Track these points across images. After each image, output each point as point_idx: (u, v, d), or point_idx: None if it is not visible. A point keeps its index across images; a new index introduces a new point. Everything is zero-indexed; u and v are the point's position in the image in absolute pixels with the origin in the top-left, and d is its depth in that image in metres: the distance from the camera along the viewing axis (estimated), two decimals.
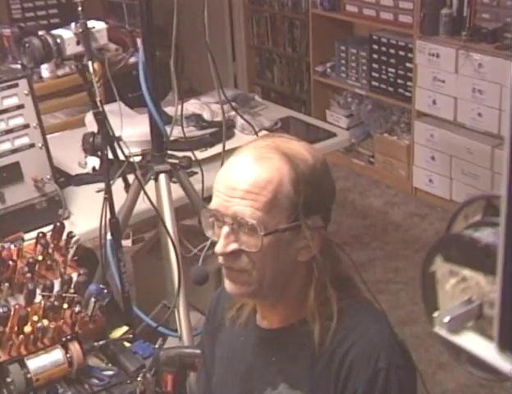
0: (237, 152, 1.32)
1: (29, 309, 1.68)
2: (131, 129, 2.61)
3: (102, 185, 2.21)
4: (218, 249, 1.28)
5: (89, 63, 2.10)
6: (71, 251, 1.91)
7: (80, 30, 2.11)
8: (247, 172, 1.26)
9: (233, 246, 1.27)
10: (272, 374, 1.36)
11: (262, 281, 1.29)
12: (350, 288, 1.37)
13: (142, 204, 2.35)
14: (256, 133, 2.75)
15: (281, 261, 1.30)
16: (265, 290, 1.31)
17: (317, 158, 1.32)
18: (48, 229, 1.96)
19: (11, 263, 1.79)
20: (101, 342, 1.78)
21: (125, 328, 1.92)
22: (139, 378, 1.72)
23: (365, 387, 1.26)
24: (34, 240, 1.91)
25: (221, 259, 1.30)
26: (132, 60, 3.36)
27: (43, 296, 1.72)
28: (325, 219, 1.32)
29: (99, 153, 2.17)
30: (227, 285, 1.33)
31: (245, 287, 1.31)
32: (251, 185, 1.25)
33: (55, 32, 2.16)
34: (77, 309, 1.72)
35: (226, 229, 1.27)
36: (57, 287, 1.78)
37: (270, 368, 1.37)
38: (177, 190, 2.44)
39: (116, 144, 2.22)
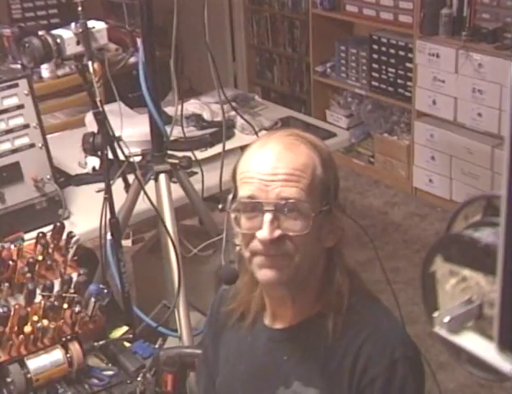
0: (261, 143, 1.31)
1: (29, 309, 1.68)
2: (131, 129, 2.61)
3: (102, 185, 2.21)
4: (265, 235, 1.25)
5: (89, 63, 2.10)
6: (71, 251, 1.91)
7: (80, 30, 2.11)
8: (285, 157, 1.27)
9: (278, 232, 1.26)
10: (284, 373, 1.36)
11: (300, 267, 1.29)
12: (359, 282, 1.39)
13: (142, 204, 2.35)
14: (256, 133, 2.75)
15: (315, 246, 1.31)
16: (299, 277, 1.31)
17: (327, 148, 1.38)
18: (48, 229, 1.96)
19: (11, 263, 1.79)
20: (101, 342, 1.78)
21: (125, 328, 1.92)
22: (139, 378, 1.72)
23: (383, 377, 1.27)
24: (34, 240, 1.91)
25: (263, 248, 1.27)
26: (132, 60, 3.37)
27: (43, 296, 1.72)
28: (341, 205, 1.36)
29: (99, 153, 2.16)
30: (266, 273, 1.29)
31: (285, 272, 1.29)
32: (292, 168, 1.26)
33: (55, 32, 2.16)
34: (77, 309, 1.72)
35: (268, 215, 1.25)
36: (57, 287, 1.78)
37: (282, 368, 1.37)
38: (177, 190, 2.44)
39: (116, 144, 2.22)
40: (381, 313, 1.36)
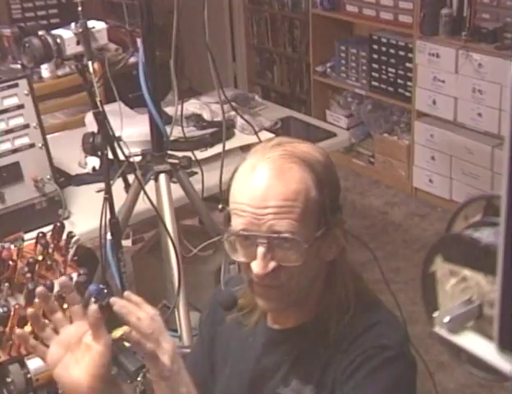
0: (250, 167, 1.26)
1: (29, 309, 1.67)
2: (131, 129, 2.61)
3: (102, 185, 2.21)
4: (258, 270, 1.23)
5: (89, 63, 2.10)
6: (71, 251, 1.90)
7: (80, 30, 2.11)
8: (274, 187, 1.22)
9: (273, 264, 1.24)
10: (283, 372, 1.37)
11: (297, 292, 1.29)
12: (364, 286, 1.38)
13: (142, 204, 2.35)
14: (256, 133, 2.75)
15: (315, 266, 1.30)
16: (296, 298, 1.30)
17: (324, 155, 1.32)
18: (48, 229, 1.95)
19: (11, 263, 1.79)
20: None
21: (125, 328, 1.91)
22: (139, 378, 1.72)
23: (363, 356, 1.26)
24: (34, 240, 1.91)
25: (257, 279, 1.26)
26: (132, 60, 3.35)
27: None
28: (341, 213, 1.33)
29: (99, 153, 2.16)
30: (262, 303, 1.30)
31: (281, 301, 1.30)
32: (282, 200, 1.22)
33: (55, 32, 2.16)
34: None
35: (261, 249, 1.23)
36: (57, 287, 1.78)
37: (282, 367, 1.37)
38: (177, 190, 2.44)
39: (116, 144, 2.22)
40: (381, 315, 1.35)
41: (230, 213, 1.28)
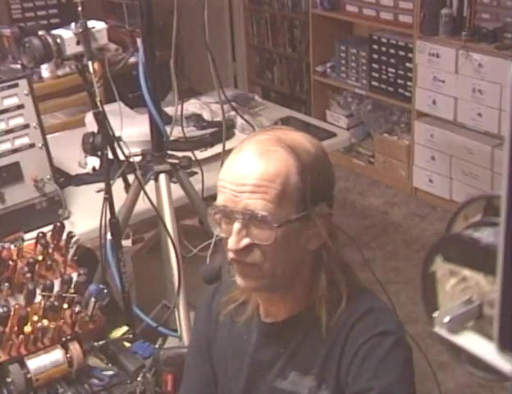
0: (239, 147, 1.32)
1: (29, 309, 1.68)
2: (131, 129, 2.61)
3: (102, 185, 2.21)
4: (231, 245, 1.28)
5: (89, 63, 2.10)
6: (71, 251, 1.91)
7: (80, 30, 2.11)
8: (254, 166, 1.27)
9: (246, 241, 1.28)
10: (281, 365, 1.38)
11: (274, 273, 1.30)
12: (352, 275, 1.39)
13: (142, 204, 2.35)
14: None
15: (292, 251, 1.31)
16: (277, 281, 1.32)
17: (317, 147, 1.35)
18: (48, 229, 1.96)
19: (11, 263, 1.79)
20: (101, 342, 1.78)
21: (125, 328, 1.92)
22: (139, 378, 1.72)
23: (367, 346, 1.28)
24: (34, 240, 1.91)
25: (232, 255, 1.30)
26: (132, 60, 3.36)
27: (43, 296, 1.72)
28: (330, 206, 1.34)
29: (99, 153, 2.16)
30: (239, 280, 1.34)
31: (258, 281, 1.31)
32: (260, 179, 1.26)
33: (55, 32, 2.16)
34: (77, 309, 1.72)
35: (237, 225, 1.27)
36: (57, 287, 1.78)
37: (278, 360, 1.38)
38: (177, 190, 2.44)
39: (116, 144, 2.22)
40: (374, 301, 1.37)
41: (217, 189, 1.33)
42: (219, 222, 1.32)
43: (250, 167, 1.27)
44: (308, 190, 1.28)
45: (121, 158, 2.25)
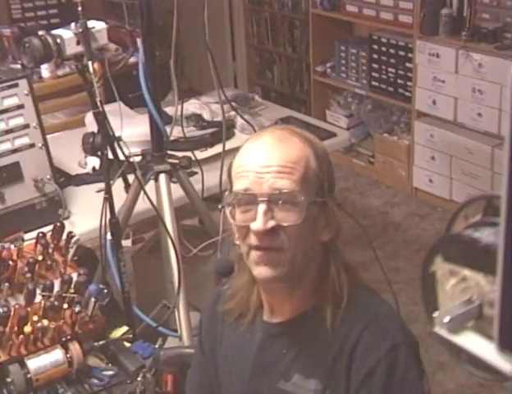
0: (256, 137, 1.34)
1: (29, 309, 1.68)
2: (131, 129, 2.61)
3: (102, 185, 2.21)
4: (259, 226, 1.26)
5: (89, 63, 2.10)
6: (71, 251, 1.91)
7: (80, 30, 2.11)
8: (278, 150, 1.29)
9: (272, 223, 1.27)
10: (284, 367, 1.37)
11: (295, 261, 1.30)
12: (356, 274, 1.40)
13: (142, 204, 2.35)
14: None
15: (310, 239, 1.32)
16: (295, 270, 1.31)
17: (322, 144, 1.41)
18: (48, 229, 1.96)
19: (11, 263, 1.79)
20: (101, 342, 1.78)
21: (125, 328, 1.92)
22: (139, 378, 1.72)
23: (385, 363, 1.28)
24: (34, 240, 1.91)
25: (256, 241, 1.28)
26: (132, 60, 3.36)
27: (43, 296, 1.72)
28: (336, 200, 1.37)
29: (99, 153, 2.16)
30: (261, 270, 1.30)
31: (279, 268, 1.30)
32: (285, 161, 1.28)
33: (55, 32, 2.16)
34: (77, 309, 1.72)
35: (263, 206, 1.27)
36: (57, 287, 1.78)
37: (282, 361, 1.37)
38: (177, 190, 2.44)
39: (116, 144, 2.22)
40: (378, 303, 1.38)
41: (233, 179, 1.33)
42: (234, 213, 1.31)
43: (274, 150, 1.29)
44: (325, 177, 1.32)
45: (121, 158, 2.25)
